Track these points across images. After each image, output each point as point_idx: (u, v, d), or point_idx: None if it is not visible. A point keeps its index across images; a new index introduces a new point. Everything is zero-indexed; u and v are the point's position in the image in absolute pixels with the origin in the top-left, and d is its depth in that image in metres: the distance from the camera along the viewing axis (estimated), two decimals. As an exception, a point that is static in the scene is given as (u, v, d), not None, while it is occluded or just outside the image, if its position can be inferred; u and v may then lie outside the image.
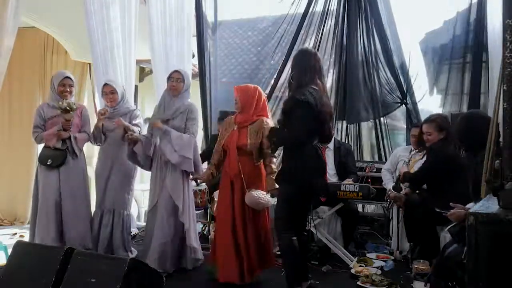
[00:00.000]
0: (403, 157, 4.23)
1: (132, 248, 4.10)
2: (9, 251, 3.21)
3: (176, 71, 3.77)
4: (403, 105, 5.33)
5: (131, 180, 4.01)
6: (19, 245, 2.89)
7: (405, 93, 5.31)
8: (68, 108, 3.70)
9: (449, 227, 2.63)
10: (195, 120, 3.71)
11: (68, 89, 3.86)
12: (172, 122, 3.64)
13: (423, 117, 5.21)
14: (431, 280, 2.79)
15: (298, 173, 2.93)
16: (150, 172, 3.86)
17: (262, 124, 3.36)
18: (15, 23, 3.36)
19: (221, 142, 3.47)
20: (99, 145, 4.06)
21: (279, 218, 3.02)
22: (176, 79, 3.70)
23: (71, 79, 3.92)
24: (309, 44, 5.54)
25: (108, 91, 3.95)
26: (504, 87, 1.69)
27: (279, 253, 3.92)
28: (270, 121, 3.43)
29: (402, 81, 5.34)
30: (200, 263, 3.71)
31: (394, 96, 5.36)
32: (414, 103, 5.29)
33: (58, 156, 3.75)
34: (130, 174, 3.99)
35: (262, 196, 3.25)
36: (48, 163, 3.74)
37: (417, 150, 4.16)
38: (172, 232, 3.55)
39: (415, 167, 4.11)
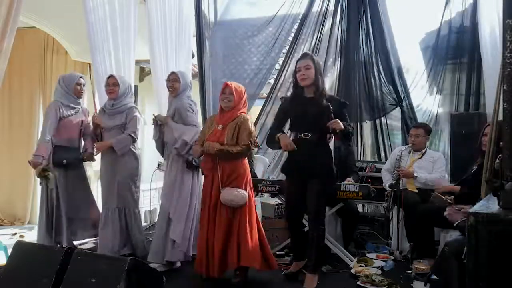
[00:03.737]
0: (403, 157, 4.24)
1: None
2: (9, 251, 3.22)
3: (172, 72, 3.91)
4: (399, 107, 5.35)
5: (136, 177, 4.03)
6: (19, 245, 2.89)
7: (401, 95, 5.32)
8: (42, 173, 3.85)
9: (457, 222, 2.64)
10: (188, 113, 3.76)
11: (83, 88, 4.13)
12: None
13: (420, 118, 5.23)
14: (431, 280, 2.80)
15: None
16: (149, 172, 3.91)
17: (241, 119, 3.34)
18: (15, 23, 3.36)
19: (205, 140, 3.43)
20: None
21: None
22: (172, 80, 3.82)
23: (83, 78, 4.17)
24: (309, 44, 5.54)
25: (111, 83, 3.99)
26: (504, 87, 1.69)
27: (279, 252, 3.94)
28: (249, 116, 3.46)
29: (398, 82, 5.35)
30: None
31: (390, 97, 5.37)
32: (411, 105, 5.30)
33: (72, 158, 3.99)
34: (135, 172, 4.00)
35: (235, 193, 3.23)
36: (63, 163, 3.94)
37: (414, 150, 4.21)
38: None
39: (414, 167, 4.13)
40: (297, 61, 3.31)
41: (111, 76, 4.05)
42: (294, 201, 3.30)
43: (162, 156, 4.06)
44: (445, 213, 3.03)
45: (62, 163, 3.92)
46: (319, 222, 3.19)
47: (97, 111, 4.31)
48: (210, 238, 3.28)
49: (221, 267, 3.26)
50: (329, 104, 3.12)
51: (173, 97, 3.86)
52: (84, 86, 4.14)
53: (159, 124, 3.86)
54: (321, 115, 3.10)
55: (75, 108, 4.06)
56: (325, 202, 3.39)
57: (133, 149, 3.99)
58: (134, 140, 3.98)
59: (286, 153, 3.48)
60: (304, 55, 3.30)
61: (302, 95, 3.27)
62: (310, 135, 3.15)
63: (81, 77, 4.15)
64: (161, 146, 3.95)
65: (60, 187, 3.94)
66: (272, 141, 3.37)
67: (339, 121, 3.03)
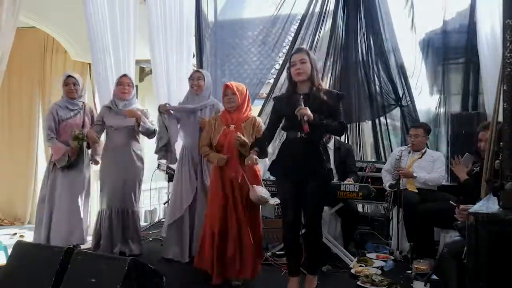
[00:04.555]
0: (403, 157, 4.24)
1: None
2: (9, 251, 3.22)
3: (196, 70, 3.93)
4: (399, 107, 5.35)
5: (141, 178, 4.04)
6: (19, 245, 2.89)
7: (401, 94, 5.33)
8: (75, 136, 3.83)
9: (456, 223, 2.64)
10: None
11: (73, 88, 3.96)
12: (200, 115, 3.79)
13: (420, 118, 5.23)
14: (431, 280, 2.79)
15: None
16: (149, 172, 3.89)
17: (255, 122, 3.41)
18: (14, 23, 3.36)
19: (214, 141, 3.42)
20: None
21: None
22: (197, 78, 3.82)
23: (74, 77, 4.00)
24: (309, 44, 5.54)
25: (126, 82, 3.95)
26: (504, 87, 1.69)
27: (279, 252, 3.94)
28: (260, 119, 3.52)
29: (398, 82, 5.35)
30: None
31: (390, 97, 5.38)
32: (411, 105, 5.30)
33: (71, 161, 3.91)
34: (140, 173, 4.02)
35: (264, 191, 3.29)
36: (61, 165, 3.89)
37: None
38: None
39: (413, 167, 4.13)
40: (291, 55, 3.10)
41: (125, 76, 4.00)
42: (292, 204, 3.03)
43: (165, 155, 4.02)
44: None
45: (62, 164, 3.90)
46: (317, 224, 3.04)
47: (97, 109, 4.28)
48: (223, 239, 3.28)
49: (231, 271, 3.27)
50: (326, 98, 2.95)
51: (196, 94, 3.83)
52: (75, 85, 3.96)
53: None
54: (318, 112, 2.89)
55: (73, 110, 3.99)
56: (323, 204, 3.31)
57: (138, 151, 4.00)
58: (154, 133, 3.96)
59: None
60: (299, 49, 3.11)
61: (295, 91, 3.04)
62: (309, 134, 2.91)
63: (69, 75, 4.00)
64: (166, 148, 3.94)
65: (57, 188, 3.92)
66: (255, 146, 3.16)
67: (307, 109, 2.84)
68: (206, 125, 3.56)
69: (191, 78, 3.86)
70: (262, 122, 3.50)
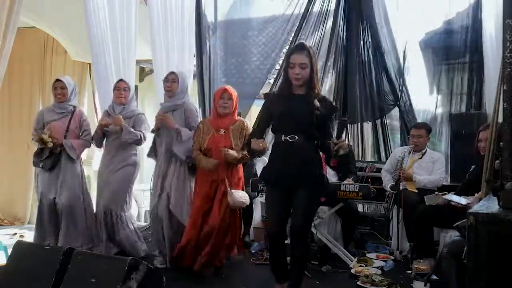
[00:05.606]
0: (404, 158, 4.23)
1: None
2: (9, 251, 3.22)
3: (171, 72, 3.84)
4: (397, 107, 5.35)
5: (130, 183, 4.01)
6: (19, 245, 2.89)
7: (400, 94, 5.33)
8: (41, 141, 3.80)
9: (456, 223, 2.64)
10: (196, 118, 3.80)
11: (60, 92, 3.94)
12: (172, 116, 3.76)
13: (419, 118, 5.23)
14: (431, 280, 2.79)
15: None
16: (150, 172, 3.91)
17: (243, 125, 3.54)
18: (15, 23, 3.36)
19: (202, 145, 3.51)
20: (100, 147, 4.11)
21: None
22: (170, 80, 3.75)
23: (61, 81, 3.95)
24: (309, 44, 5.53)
25: (122, 87, 3.95)
26: (504, 87, 1.69)
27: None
28: (248, 122, 3.67)
29: (397, 82, 5.35)
30: None
31: (390, 97, 5.38)
32: (410, 105, 5.30)
33: (47, 162, 3.88)
34: (130, 174, 3.99)
35: (243, 196, 3.50)
36: (40, 166, 3.91)
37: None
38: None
39: (414, 168, 4.13)
40: (290, 54, 2.78)
41: (121, 81, 4.01)
42: (278, 214, 2.82)
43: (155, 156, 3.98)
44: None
45: (39, 166, 3.92)
46: (304, 239, 2.81)
47: (98, 114, 4.28)
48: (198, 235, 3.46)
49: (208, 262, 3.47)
50: (319, 105, 2.73)
51: (168, 97, 3.78)
52: (62, 89, 3.92)
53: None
54: (311, 115, 2.70)
55: (60, 113, 3.96)
56: (313, 216, 3.11)
57: (132, 156, 3.98)
58: (141, 141, 3.91)
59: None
60: (300, 48, 2.76)
61: (290, 91, 2.81)
62: (297, 137, 2.71)
63: (57, 80, 3.99)
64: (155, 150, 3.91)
65: (39, 188, 3.95)
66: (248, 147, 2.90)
67: (344, 143, 2.68)
68: (196, 130, 3.62)
69: (165, 80, 3.79)
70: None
